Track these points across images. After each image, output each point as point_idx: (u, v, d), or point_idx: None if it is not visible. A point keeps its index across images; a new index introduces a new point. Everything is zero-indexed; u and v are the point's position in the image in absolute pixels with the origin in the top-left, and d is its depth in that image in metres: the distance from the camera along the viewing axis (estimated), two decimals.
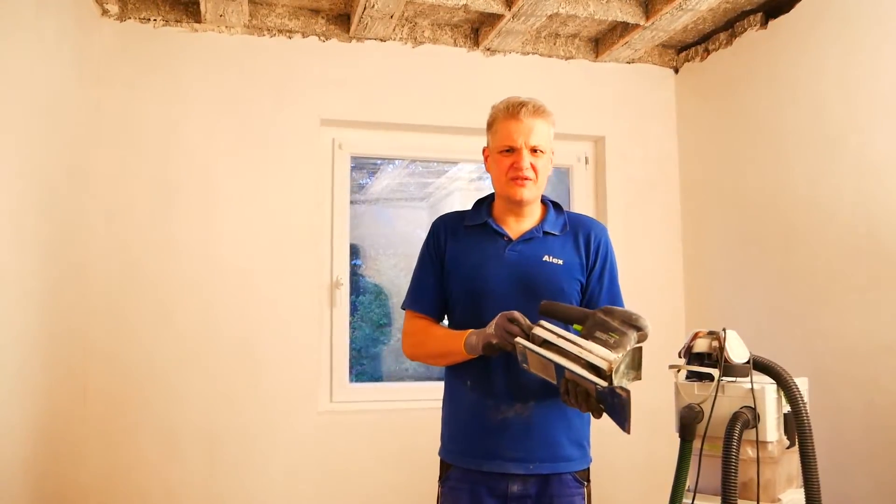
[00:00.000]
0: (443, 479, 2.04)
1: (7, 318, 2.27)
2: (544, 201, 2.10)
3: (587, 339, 1.71)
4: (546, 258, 1.98)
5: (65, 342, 2.79)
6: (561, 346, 1.69)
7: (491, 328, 1.82)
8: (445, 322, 2.11)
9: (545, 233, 2.02)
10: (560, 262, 1.98)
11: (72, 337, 2.86)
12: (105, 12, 3.16)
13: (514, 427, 1.93)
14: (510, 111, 1.97)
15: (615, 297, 2.05)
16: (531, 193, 1.99)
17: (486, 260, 2.00)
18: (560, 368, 1.69)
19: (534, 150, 1.96)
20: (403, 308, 2.13)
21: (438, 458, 2.08)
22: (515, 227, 2.04)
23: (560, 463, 1.94)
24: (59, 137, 2.72)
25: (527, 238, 2.01)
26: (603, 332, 1.72)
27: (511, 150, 1.97)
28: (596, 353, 1.66)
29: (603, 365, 1.64)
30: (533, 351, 1.71)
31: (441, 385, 3.40)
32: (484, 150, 2.10)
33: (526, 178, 1.96)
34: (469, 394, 1.99)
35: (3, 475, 2.26)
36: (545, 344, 1.71)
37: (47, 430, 2.60)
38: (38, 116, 2.50)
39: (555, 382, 1.74)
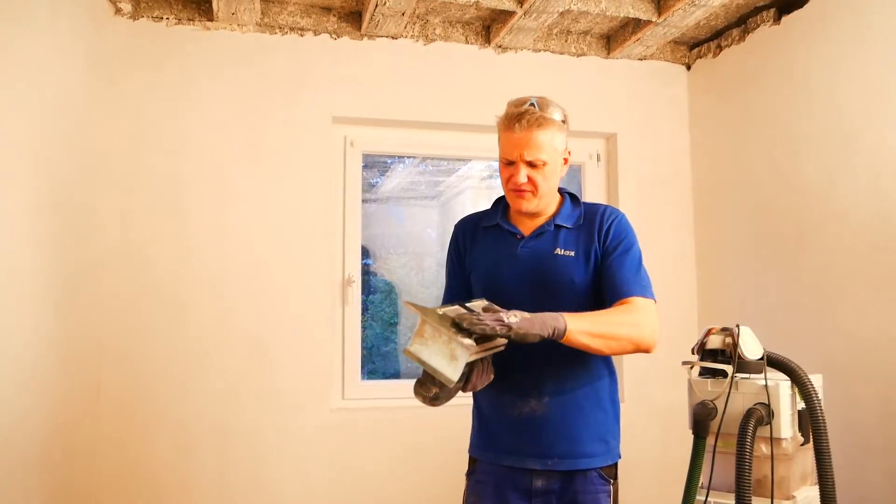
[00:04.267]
0: (469, 472, 2.05)
1: (22, 315, 2.29)
2: (562, 193, 2.07)
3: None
4: (558, 251, 1.96)
5: (79, 339, 2.80)
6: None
7: None
8: None
9: (557, 226, 2.00)
10: (571, 253, 1.95)
11: (85, 334, 2.88)
12: (118, 11, 3.18)
13: (531, 422, 1.92)
14: (507, 123, 1.93)
15: (631, 274, 1.93)
16: (531, 205, 1.97)
17: (501, 259, 2.00)
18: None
19: (531, 164, 1.92)
20: None
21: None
22: (529, 224, 2.03)
23: (579, 459, 1.91)
24: (73, 136, 2.74)
25: (538, 233, 2.00)
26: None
27: (510, 163, 1.95)
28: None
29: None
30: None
31: None
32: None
33: (524, 192, 1.94)
34: (489, 390, 1.99)
35: (18, 470, 2.28)
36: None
37: (62, 426, 2.62)
38: (52, 115, 2.52)
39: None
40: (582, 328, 1.76)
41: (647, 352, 1.89)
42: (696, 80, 3.82)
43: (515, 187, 1.94)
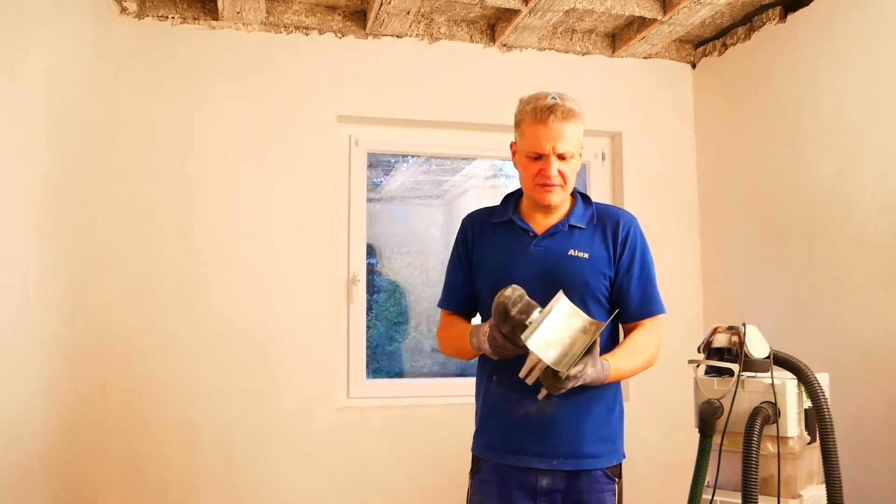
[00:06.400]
0: (473, 471, 2.04)
1: (29, 313, 2.30)
2: (573, 192, 2.05)
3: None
4: (571, 252, 1.95)
5: (84, 337, 2.81)
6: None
7: (485, 342, 1.86)
8: (478, 319, 2.12)
9: (571, 226, 1.99)
10: (586, 255, 1.95)
11: (91, 332, 2.89)
12: (123, 10, 3.18)
13: (536, 422, 1.91)
14: (538, 116, 1.90)
15: (647, 290, 2.01)
16: (559, 198, 1.97)
17: (512, 257, 1.98)
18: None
19: (561, 157, 1.92)
20: (438, 307, 2.18)
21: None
22: (542, 222, 2.02)
23: (584, 460, 1.91)
24: (79, 134, 2.74)
25: (552, 232, 1.99)
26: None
27: (539, 157, 1.93)
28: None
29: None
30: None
31: (456, 381, 3.46)
32: (512, 145, 2.05)
33: (554, 185, 1.93)
34: (494, 388, 1.98)
35: (26, 468, 2.29)
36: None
37: (68, 424, 2.63)
38: (58, 113, 2.52)
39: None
40: (615, 376, 1.89)
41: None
42: (702, 79, 3.81)
43: (545, 181, 1.93)
